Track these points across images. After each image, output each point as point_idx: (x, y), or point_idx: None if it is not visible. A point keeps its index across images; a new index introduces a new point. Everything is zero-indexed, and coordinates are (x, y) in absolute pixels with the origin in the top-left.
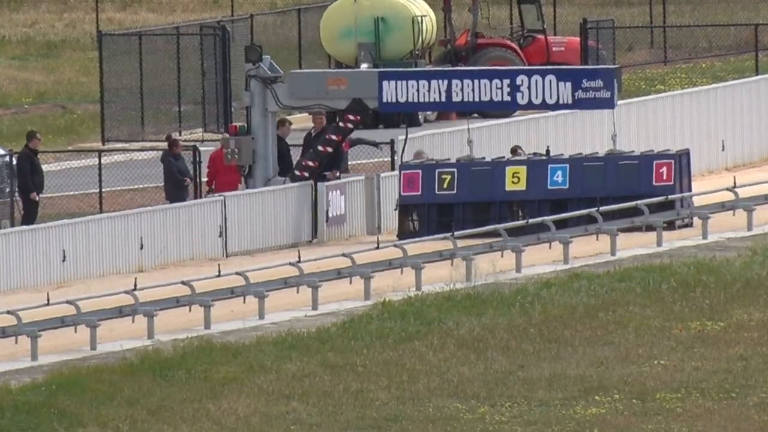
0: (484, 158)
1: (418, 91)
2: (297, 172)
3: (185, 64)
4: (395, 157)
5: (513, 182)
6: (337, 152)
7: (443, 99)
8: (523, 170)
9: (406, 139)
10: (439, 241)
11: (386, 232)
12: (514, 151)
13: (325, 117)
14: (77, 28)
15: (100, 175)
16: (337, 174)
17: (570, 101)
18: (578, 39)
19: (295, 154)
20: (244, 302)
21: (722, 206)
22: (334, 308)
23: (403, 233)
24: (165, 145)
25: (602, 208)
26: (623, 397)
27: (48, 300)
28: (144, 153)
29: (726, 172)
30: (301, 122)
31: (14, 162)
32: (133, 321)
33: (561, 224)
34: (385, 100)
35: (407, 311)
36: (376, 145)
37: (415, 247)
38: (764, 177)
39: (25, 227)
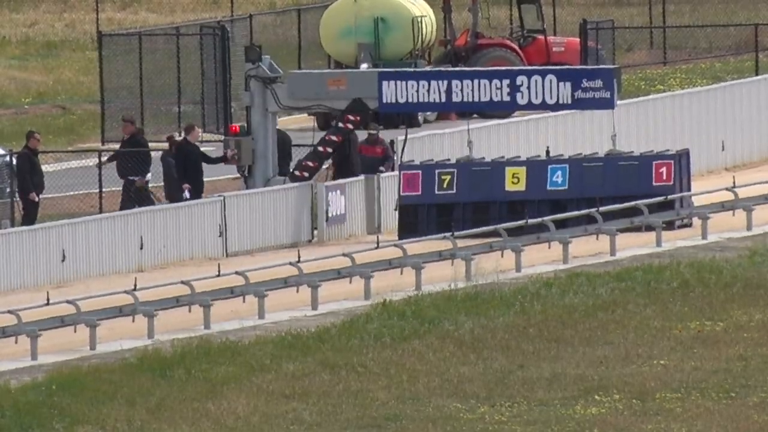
0: (483, 158)
1: (417, 91)
2: (297, 173)
3: (185, 64)
4: (395, 157)
5: (513, 182)
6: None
7: (443, 99)
8: (522, 171)
9: (405, 140)
10: (439, 240)
11: (386, 232)
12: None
13: (132, 124)
14: (77, 28)
15: (100, 175)
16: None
17: (570, 101)
18: (578, 39)
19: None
20: (243, 302)
21: (722, 206)
22: (333, 308)
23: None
24: (165, 145)
25: (602, 209)
26: (623, 397)
27: (48, 300)
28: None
29: (725, 172)
30: (301, 122)
31: (14, 162)
32: (132, 321)
33: (560, 224)
34: (384, 100)
35: (407, 311)
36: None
37: (415, 246)
38: (764, 177)
39: (25, 227)
